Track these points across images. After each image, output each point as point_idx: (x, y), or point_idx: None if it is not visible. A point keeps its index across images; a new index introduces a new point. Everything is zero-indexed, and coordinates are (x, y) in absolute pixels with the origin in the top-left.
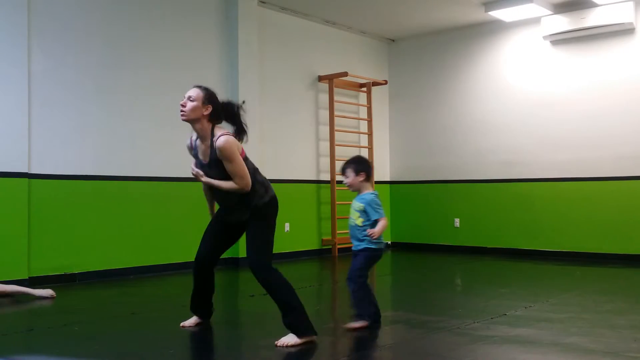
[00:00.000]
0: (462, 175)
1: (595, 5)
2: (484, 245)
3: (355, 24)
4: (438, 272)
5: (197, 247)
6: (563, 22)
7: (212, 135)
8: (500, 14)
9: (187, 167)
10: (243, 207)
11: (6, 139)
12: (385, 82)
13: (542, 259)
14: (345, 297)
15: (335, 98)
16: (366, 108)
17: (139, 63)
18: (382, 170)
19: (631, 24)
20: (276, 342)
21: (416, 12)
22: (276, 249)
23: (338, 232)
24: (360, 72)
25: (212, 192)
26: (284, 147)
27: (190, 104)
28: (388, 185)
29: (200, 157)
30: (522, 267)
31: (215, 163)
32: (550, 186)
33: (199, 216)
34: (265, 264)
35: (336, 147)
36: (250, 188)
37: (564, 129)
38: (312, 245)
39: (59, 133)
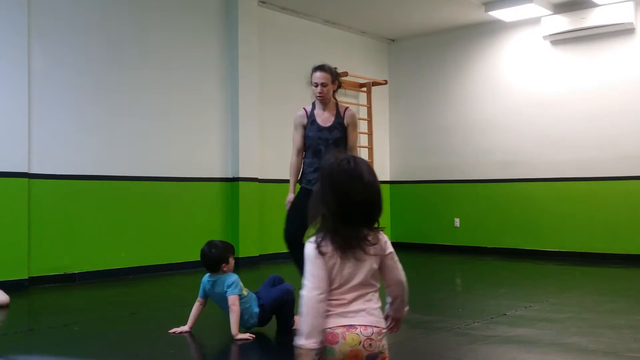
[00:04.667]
0: (462, 175)
1: (595, 5)
2: (484, 245)
3: (355, 24)
4: (438, 272)
5: (284, 227)
6: (563, 22)
7: (337, 104)
8: (500, 14)
9: (187, 167)
10: None
11: (6, 139)
12: (385, 82)
13: (542, 259)
14: None
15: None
16: (366, 108)
17: (139, 63)
18: (382, 170)
19: (631, 24)
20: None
21: (416, 12)
22: (276, 249)
23: None
24: (360, 72)
25: (317, 155)
26: (285, 147)
27: (326, 89)
28: (388, 185)
29: (320, 122)
30: (522, 267)
31: (338, 126)
32: (550, 186)
33: (199, 216)
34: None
35: None
36: None
37: (564, 129)
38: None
39: (59, 133)
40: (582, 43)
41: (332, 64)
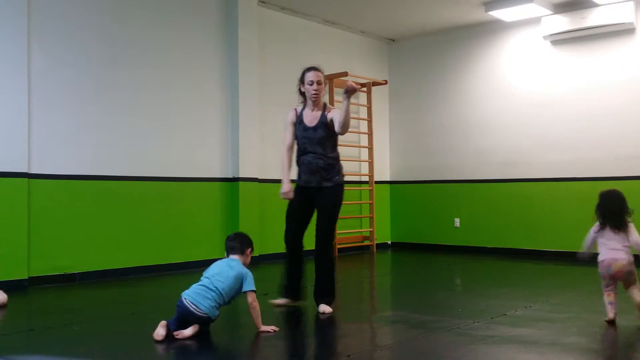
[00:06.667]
0: (462, 175)
1: (595, 5)
2: (484, 245)
3: (355, 24)
4: (438, 272)
5: (285, 228)
6: (563, 22)
7: (325, 106)
8: (500, 14)
9: (187, 167)
10: (325, 171)
11: (6, 139)
12: (385, 82)
13: (542, 259)
14: (345, 296)
15: (335, 98)
16: (366, 108)
17: (139, 62)
18: (382, 170)
19: (631, 24)
20: (322, 310)
21: (416, 12)
22: (275, 249)
23: (338, 232)
24: (360, 72)
25: (304, 153)
26: None
27: (321, 87)
28: (388, 185)
29: (307, 122)
30: (522, 267)
31: (322, 126)
32: (550, 186)
33: (199, 216)
34: (332, 245)
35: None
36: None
37: (564, 129)
38: (312, 245)
39: (59, 133)
40: (582, 43)
41: (332, 64)
